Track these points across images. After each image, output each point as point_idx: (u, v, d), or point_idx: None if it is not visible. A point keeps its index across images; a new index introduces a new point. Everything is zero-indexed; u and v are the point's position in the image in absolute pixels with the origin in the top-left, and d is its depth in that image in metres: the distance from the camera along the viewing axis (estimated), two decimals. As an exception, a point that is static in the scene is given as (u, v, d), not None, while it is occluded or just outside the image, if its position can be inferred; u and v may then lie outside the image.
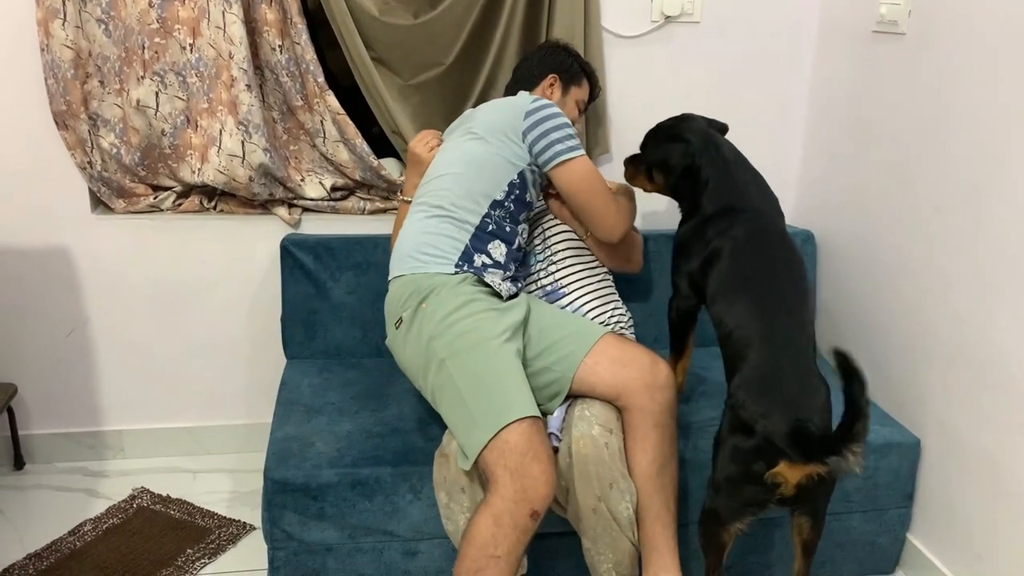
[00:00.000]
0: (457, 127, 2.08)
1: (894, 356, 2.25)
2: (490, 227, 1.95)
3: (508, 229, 1.98)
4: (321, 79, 2.36)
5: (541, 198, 2.17)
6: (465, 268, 1.91)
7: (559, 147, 1.91)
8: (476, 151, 1.95)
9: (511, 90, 2.16)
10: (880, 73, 2.28)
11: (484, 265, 1.93)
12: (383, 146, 2.51)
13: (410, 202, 2.06)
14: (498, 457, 1.67)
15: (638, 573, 1.88)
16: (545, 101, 1.96)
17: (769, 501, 1.65)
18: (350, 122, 2.40)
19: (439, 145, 2.12)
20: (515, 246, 2.00)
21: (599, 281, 2.15)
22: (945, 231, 2.04)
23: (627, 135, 2.56)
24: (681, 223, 2.01)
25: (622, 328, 2.12)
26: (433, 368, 1.80)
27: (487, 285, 1.91)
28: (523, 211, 2.01)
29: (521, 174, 1.96)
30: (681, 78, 2.57)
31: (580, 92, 2.20)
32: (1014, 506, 1.86)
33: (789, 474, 1.58)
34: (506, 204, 1.96)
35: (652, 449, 1.83)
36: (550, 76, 2.14)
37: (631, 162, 2.16)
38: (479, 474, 1.77)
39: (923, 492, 2.14)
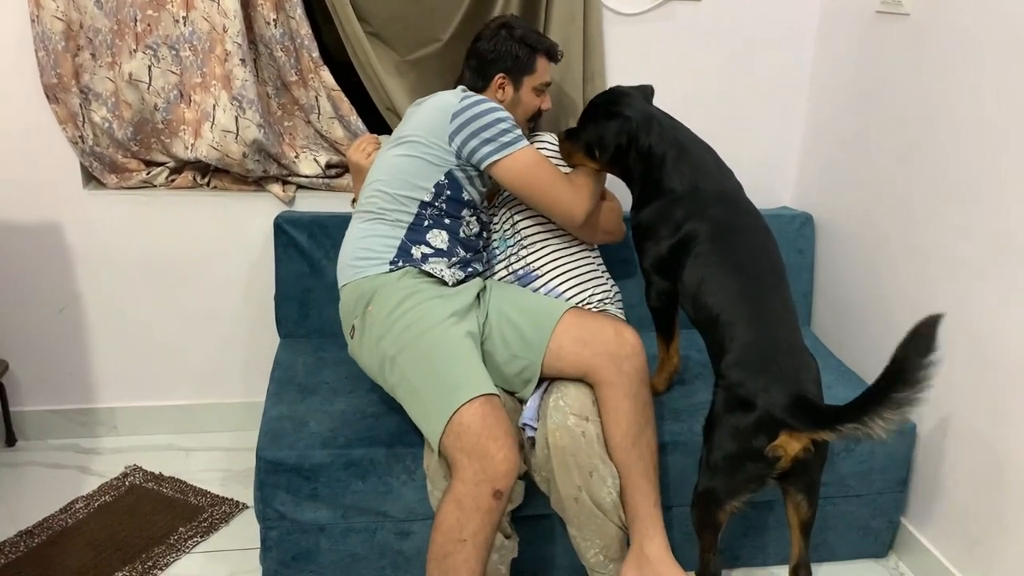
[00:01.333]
0: (397, 128, 2.03)
1: (892, 339, 2.20)
2: (426, 222, 1.93)
3: (447, 222, 1.95)
4: (316, 54, 2.33)
5: (503, 193, 2.13)
6: (401, 264, 1.90)
7: (487, 148, 1.87)
8: (398, 157, 1.93)
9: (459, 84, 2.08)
10: (883, 54, 2.25)
11: (424, 256, 1.92)
12: (380, 122, 2.48)
13: None
14: (455, 441, 1.66)
15: (625, 554, 1.88)
16: (474, 98, 1.90)
17: (768, 476, 1.67)
18: (345, 98, 2.37)
19: (376, 150, 2.10)
20: (459, 234, 1.98)
21: (577, 258, 2.11)
22: (946, 214, 2.02)
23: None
24: (638, 206, 1.96)
25: (606, 303, 2.09)
26: (387, 367, 1.80)
27: (430, 276, 1.90)
28: (462, 208, 1.97)
29: (449, 174, 1.92)
30: (682, 57, 2.53)
31: (535, 78, 2.08)
32: (1009, 491, 1.86)
33: (789, 446, 1.61)
34: (436, 204, 1.93)
35: (626, 421, 1.82)
36: (498, 77, 2.05)
37: (567, 138, 2.05)
38: (444, 460, 1.76)
39: (918, 477, 2.14)
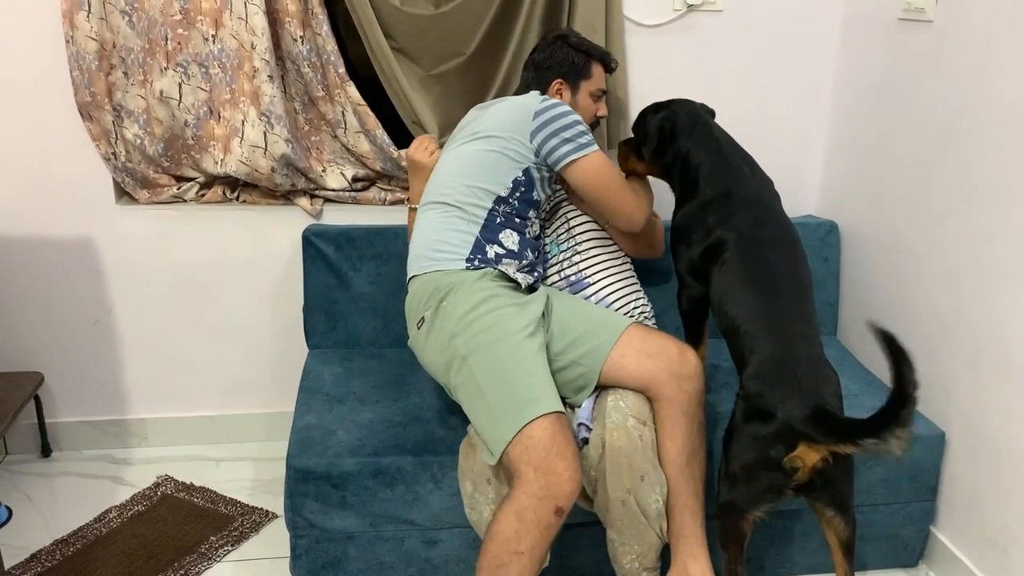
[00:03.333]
0: (462, 128, 2.07)
1: (919, 349, 2.22)
2: (498, 219, 1.95)
3: (517, 222, 1.98)
4: (342, 70, 2.36)
5: (559, 192, 2.17)
6: (477, 262, 1.91)
7: (567, 147, 1.91)
8: (478, 150, 1.96)
9: (518, 94, 2.15)
10: (906, 62, 2.25)
11: (497, 256, 1.93)
12: (405, 136, 2.51)
13: (417, 209, 2.08)
14: (522, 453, 1.66)
15: (660, 566, 1.88)
16: (554, 101, 1.96)
17: (786, 487, 1.66)
18: (370, 113, 2.41)
19: (438, 149, 2.14)
20: (527, 235, 2.00)
21: (622, 271, 2.15)
22: (972, 221, 2.01)
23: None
24: (676, 208, 2.03)
25: (645, 318, 2.11)
26: (455, 366, 1.80)
27: (507, 279, 1.91)
28: (530, 208, 2.00)
29: (527, 172, 1.95)
30: (704, 67, 2.54)
31: (592, 83, 2.16)
32: (1041, 500, 1.84)
33: (807, 457, 1.60)
34: (511, 201, 1.96)
35: (681, 438, 1.83)
36: (555, 83, 2.12)
37: (623, 143, 2.19)
38: (504, 468, 1.77)
39: (948, 485, 2.12)
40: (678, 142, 2.00)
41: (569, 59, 2.12)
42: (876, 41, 2.38)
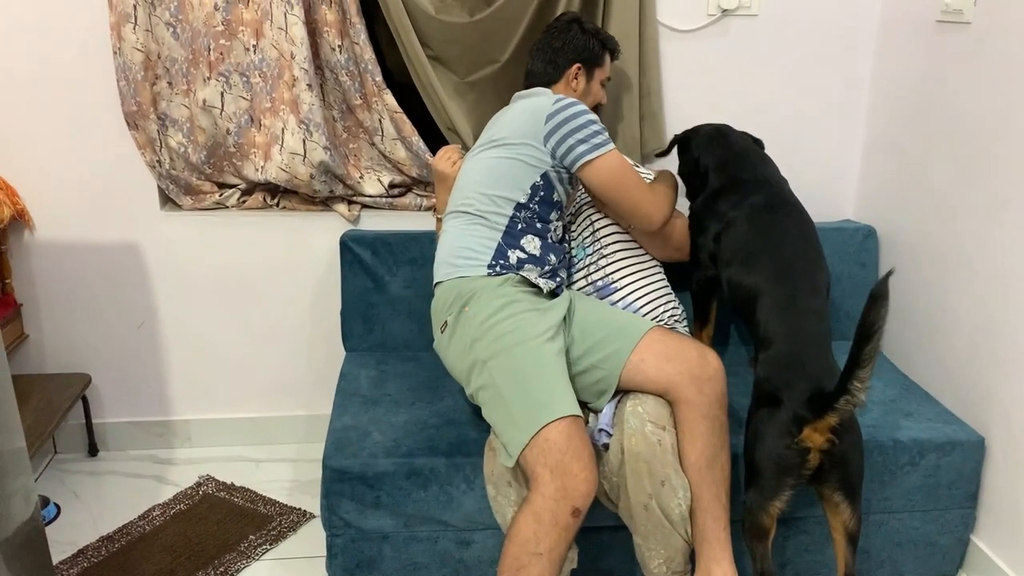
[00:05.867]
0: (483, 135, 2.09)
1: (959, 353, 2.20)
2: (520, 225, 1.97)
3: (539, 226, 1.99)
4: (379, 78, 2.41)
5: (583, 195, 2.18)
6: (499, 268, 1.93)
7: (582, 148, 1.91)
8: (496, 158, 1.97)
9: (532, 78, 2.15)
10: (944, 64, 2.23)
11: (520, 261, 1.95)
12: (440, 142, 2.54)
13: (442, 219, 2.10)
14: (538, 455, 1.68)
15: (690, 569, 1.88)
16: (567, 101, 1.95)
17: (801, 469, 1.71)
18: (407, 120, 2.44)
19: (461, 159, 2.15)
20: (549, 240, 2.01)
21: (651, 274, 2.14)
22: (1012, 225, 1.99)
23: (687, 127, 2.55)
24: (690, 199, 2.15)
25: (675, 321, 2.11)
26: (476, 370, 1.82)
27: (529, 284, 1.93)
28: (552, 210, 2.01)
29: (545, 176, 1.96)
30: (739, 72, 2.54)
31: (603, 72, 2.18)
32: (1083, 508, 1.80)
33: (812, 439, 1.68)
34: (531, 206, 1.97)
35: (701, 441, 1.82)
36: (574, 67, 2.11)
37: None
38: (521, 471, 1.79)
39: (988, 492, 2.08)
40: (691, 149, 2.14)
41: (588, 45, 2.12)
42: (914, 43, 2.36)
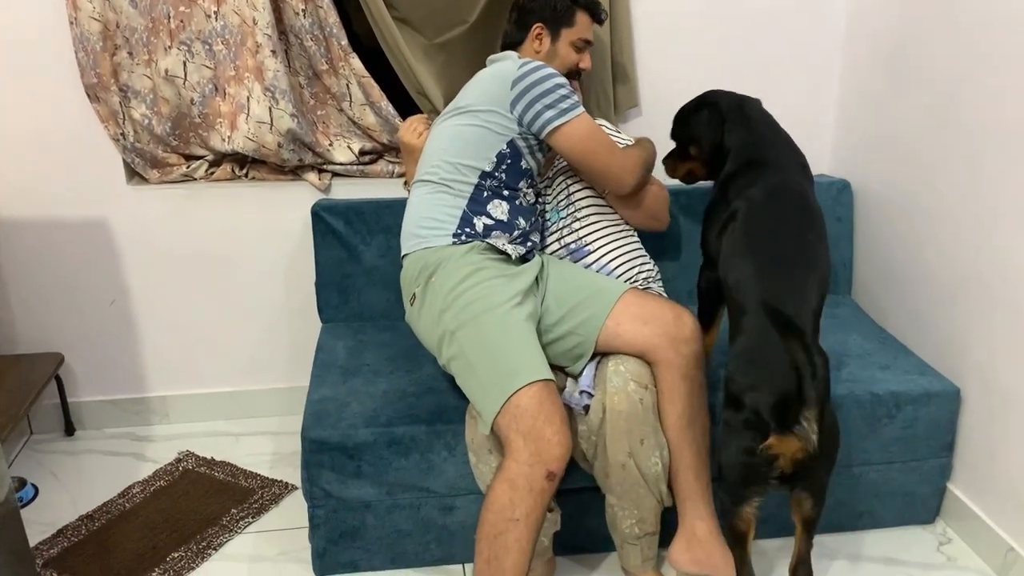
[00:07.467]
0: (453, 101, 2.04)
1: (934, 305, 2.21)
2: (485, 193, 1.94)
3: (506, 193, 1.96)
4: (345, 42, 2.35)
5: (561, 161, 2.14)
6: (464, 236, 1.91)
7: (549, 113, 1.87)
8: (460, 126, 1.94)
9: (504, 39, 2.12)
10: (918, 15, 2.21)
11: (487, 228, 1.93)
12: (411, 108, 2.50)
13: None
14: (510, 422, 1.68)
15: (659, 530, 1.90)
16: (533, 64, 1.90)
17: (768, 476, 1.56)
18: (375, 85, 2.40)
19: (427, 129, 2.11)
20: (518, 204, 1.98)
21: (624, 236, 2.12)
22: (985, 174, 1.99)
23: (657, 87, 2.52)
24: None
25: (649, 282, 2.10)
26: (446, 340, 1.81)
27: (496, 251, 1.91)
28: (521, 179, 1.98)
29: (511, 144, 1.92)
30: (711, 26, 2.51)
31: (574, 32, 2.07)
32: (1057, 453, 1.83)
33: (782, 447, 1.51)
34: (497, 174, 1.94)
35: (681, 402, 1.83)
36: (535, 27, 2.06)
37: (667, 157, 2.14)
38: (496, 438, 1.78)
39: (964, 441, 2.11)
40: (724, 131, 1.95)
41: (551, 4, 2.05)
42: (886, -6, 2.34)
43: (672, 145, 2.12)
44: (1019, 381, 1.91)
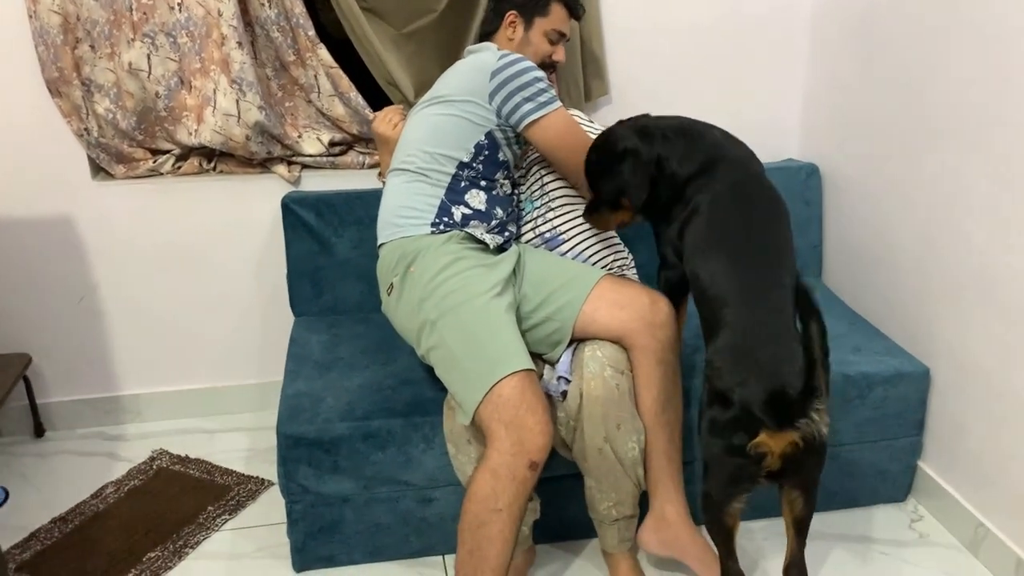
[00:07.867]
0: (431, 90, 2.02)
1: (903, 287, 2.24)
2: (463, 183, 1.94)
3: (483, 184, 1.96)
4: (312, 32, 2.33)
5: (535, 151, 2.13)
6: (442, 226, 1.90)
7: (528, 106, 1.87)
8: (438, 116, 1.93)
9: (481, 28, 2.12)
10: (885, 1, 2.23)
11: (465, 217, 1.93)
12: (381, 98, 2.48)
13: None
14: (492, 412, 1.67)
15: (638, 511, 1.91)
16: (512, 57, 1.90)
17: (758, 475, 1.53)
18: (343, 75, 2.38)
19: (403, 120, 2.10)
20: (496, 194, 1.98)
21: None
22: (952, 157, 2.01)
23: (629, 72, 2.52)
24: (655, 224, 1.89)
25: (623, 269, 2.11)
26: (426, 330, 1.81)
27: (475, 240, 1.90)
28: (497, 170, 1.98)
29: (489, 135, 1.92)
30: (677, 8, 2.51)
31: (548, 22, 2.06)
32: (1024, 429, 1.86)
33: (772, 444, 1.48)
34: (474, 165, 1.94)
35: (656, 386, 1.85)
36: (509, 15, 2.05)
37: (589, 211, 1.93)
38: (478, 428, 1.78)
39: (933, 420, 2.14)
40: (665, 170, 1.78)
41: None
42: (851, -22, 2.35)
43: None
44: (986, 360, 1.95)
